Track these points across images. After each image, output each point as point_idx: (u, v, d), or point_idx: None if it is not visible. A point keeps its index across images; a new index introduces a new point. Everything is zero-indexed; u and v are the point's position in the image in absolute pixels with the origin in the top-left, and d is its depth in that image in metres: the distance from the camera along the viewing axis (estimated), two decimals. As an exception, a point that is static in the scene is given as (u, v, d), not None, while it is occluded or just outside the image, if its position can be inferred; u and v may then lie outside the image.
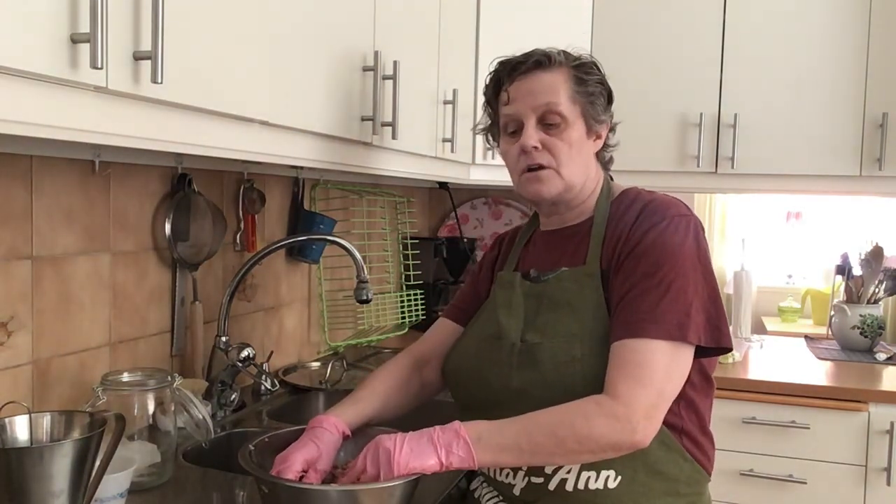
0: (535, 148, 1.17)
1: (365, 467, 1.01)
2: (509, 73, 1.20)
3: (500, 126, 1.24)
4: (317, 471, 1.06)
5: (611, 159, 1.29)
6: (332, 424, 1.12)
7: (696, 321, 1.06)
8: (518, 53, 1.21)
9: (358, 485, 1.00)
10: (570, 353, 1.09)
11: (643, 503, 1.11)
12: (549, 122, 1.17)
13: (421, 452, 0.99)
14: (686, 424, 1.14)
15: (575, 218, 1.23)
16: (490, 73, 1.24)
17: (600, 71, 1.23)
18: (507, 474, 1.17)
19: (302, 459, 1.05)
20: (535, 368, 1.11)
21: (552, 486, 1.11)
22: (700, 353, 1.09)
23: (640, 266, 1.09)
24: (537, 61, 1.18)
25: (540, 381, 1.10)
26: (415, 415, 1.29)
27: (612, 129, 1.26)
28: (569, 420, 1.01)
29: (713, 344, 1.08)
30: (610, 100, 1.24)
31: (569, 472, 1.10)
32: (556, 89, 1.17)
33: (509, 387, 1.13)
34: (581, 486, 1.10)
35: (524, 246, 1.30)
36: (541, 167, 1.18)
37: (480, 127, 1.31)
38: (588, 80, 1.19)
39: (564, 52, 1.21)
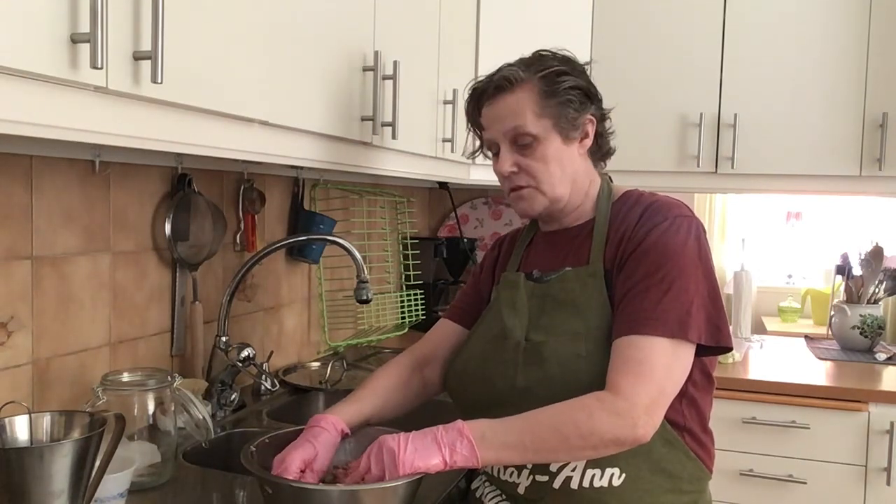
0: (513, 172, 1.19)
1: (369, 467, 1.01)
2: (477, 100, 1.23)
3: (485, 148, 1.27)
4: (314, 471, 1.06)
5: (610, 150, 1.26)
6: (330, 423, 1.12)
7: (696, 320, 1.06)
8: (480, 78, 1.23)
9: (363, 485, 1.00)
10: (574, 351, 1.10)
11: (647, 501, 1.12)
12: (521, 143, 1.18)
13: (425, 452, 1.00)
14: (688, 422, 1.15)
15: (575, 220, 1.24)
16: (466, 101, 1.27)
17: (573, 71, 1.19)
18: (512, 473, 1.17)
19: (300, 459, 1.05)
20: (540, 367, 1.11)
21: (557, 484, 1.12)
22: (700, 351, 1.10)
23: (642, 265, 1.10)
24: (497, 86, 1.18)
25: (545, 379, 1.10)
26: (416, 414, 1.29)
27: (604, 119, 1.24)
28: (571, 416, 1.02)
29: (713, 343, 1.09)
30: (589, 97, 1.20)
31: (574, 469, 1.10)
32: (521, 111, 1.16)
33: (514, 386, 1.13)
34: (586, 483, 1.10)
35: (526, 247, 1.31)
36: (521, 188, 1.20)
37: (470, 151, 1.35)
38: (556, 88, 1.16)
39: (528, 61, 1.19)
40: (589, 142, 1.22)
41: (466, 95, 1.26)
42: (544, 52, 1.22)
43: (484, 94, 1.21)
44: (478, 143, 1.30)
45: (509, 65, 1.20)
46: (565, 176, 1.19)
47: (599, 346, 1.09)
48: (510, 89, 1.17)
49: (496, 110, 1.19)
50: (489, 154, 1.30)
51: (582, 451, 1.03)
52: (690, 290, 1.07)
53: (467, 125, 1.30)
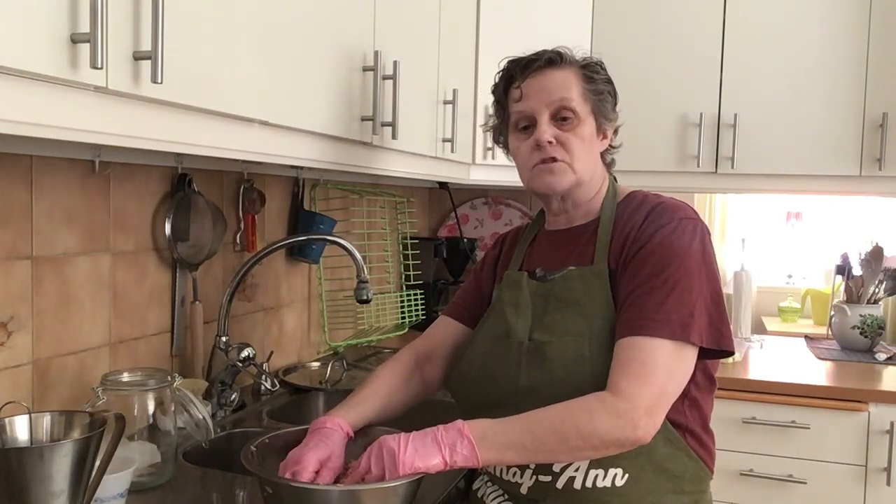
0: (550, 143, 1.17)
1: (369, 467, 1.01)
2: (522, 70, 1.21)
3: (509, 124, 1.24)
4: (330, 469, 1.06)
5: (612, 161, 1.30)
6: (336, 425, 1.12)
7: (698, 322, 1.06)
8: (521, 54, 1.22)
9: (363, 485, 1.00)
10: (578, 352, 1.10)
11: (650, 501, 1.12)
12: (562, 117, 1.18)
13: (425, 452, 1.00)
14: (690, 423, 1.15)
15: (581, 218, 1.24)
16: (500, 71, 1.25)
17: (606, 71, 1.24)
18: (515, 473, 1.17)
19: (315, 460, 1.05)
20: (544, 367, 1.11)
21: (560, 484, 1.12)
22: (702, 354, 1.10)
23: (646, 266, 1.10)
24: (549, 59, 1.19)
25: (548, 379, 1.10)
26: (417, 414, 1.29)
27: (615, 131, 1.27)
28: (572, 417, 1.02)
29: (714, 346, 1.09)
30: (616, 100, 1.25)
31: (577, 470, 1.10)
32: (569, 86, 1.18)
33: (517, 386, 1.13)
34: (589, 484, 1.10)
35: (529, 245, 1.30)
36: (554, 160, 1.18)
37: (489, 125, 1.32)
38: (596, 79, 1.21)
39: (570, 52, 1.22)
40: (607, 143, 1.25)
41: (503, 66, 1.24)
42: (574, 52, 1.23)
43: (532, 64, 1.20)
44: (494, 120, 1.29)
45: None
46: (592, 162, 1.21)
47: (603, 347, 1.09)
48: (560, 65, 1.19)
49: (544, 81, 1.19)
50: (500, 141, 1.29)
51: (582, 451, 1.03)
52: (694, 293, 1.07)
53: (492, 102, 1.28)
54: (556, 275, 1.19)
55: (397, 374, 1.28)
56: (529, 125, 1.20)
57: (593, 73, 1.21)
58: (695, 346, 1.07)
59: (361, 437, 1.15)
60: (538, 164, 1.19)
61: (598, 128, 1.21)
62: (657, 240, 1.11)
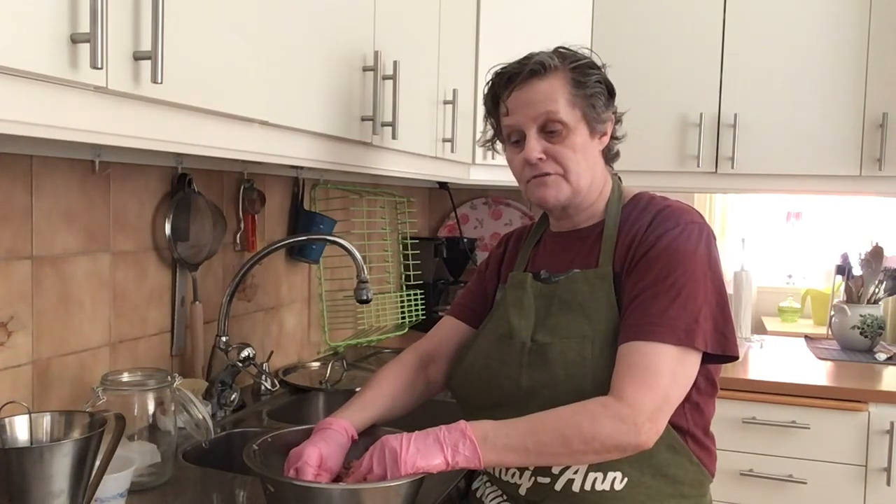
0: (540, 159, 1.16)
1: (371, 467, 1.01)
2: (505, 84, 1.18)
3: (503, 136, 1.24)
4: (328, 469, 1.06)
5: (617, 153, 1.27)
6: (341, 427, 1.12)
7: (703, 328, 1.06)
8: (514, 60, 1.19)
9: (365, 484, 1.00)
10: (580, 354, 1.09)
11: None
12: (550, 129, 1.15)
13: (427, 452, 0.99)
14: (692, 426, 1.14)
15: (586, 221, 1.23)
16: (486, 85, 1.23)
17: (599, 68, 1.21)
18: (514, 474, 1.17)
19: (317, 454, 1.05)
20: (546, 368, 1.11)
21: (558, 486, 1.11)
22: (706, 359, 1.09)
23: (651, 270, 1.09)
24: (532, 70, 1.16)
25: (550, 381, 1.10)
26: (418, 414, 1.29)
27: (618, 121, 1.25)
28: (575, 421, 1.01)
29: (719, 351, 1.08)
30: (611, 94, 1.22)
31: (576, 472, 1.10)
32: (554, 97, 1.15)
33: (519, 386, 1.13)
34: (588, 486, 1.10)
35: (534, 246, 1.30)
36: (547, 174, 1.17)
37: (485, 139, 1.31)
38: (586, 81, 1.17)
39: (560, 52, 1.19)
40: (607, 139, 1.23)
41: (489, 79, 1.22)
42: (566, 49, 1.20)
43: (515, 78, 1.17)
44: (489, 133, 1.28)
45: (539, 53, 1.18)
46: (588, 169, 1.19)
47: (605, 350, 1.08)
48: (543, 75, 1.15)
49: (528, 95, 1.16)
50: (498, 149, 1.29)
51: (584, 455, 1.02)
52: (699, 298, 1.07)
53: (484, 115, 1.27)
54: (560, 277, 1.19)
55: (402, 375, 1.27)
56: (520, 139, 1.19)
57: (582, 76, 1.17)
58: (699, 352, 1.07)
59: (364, 437, 1.14)
60: (531, 179, 1.19)
61: (592, 131, 1.18)
62: (663, 244, 1.10)
